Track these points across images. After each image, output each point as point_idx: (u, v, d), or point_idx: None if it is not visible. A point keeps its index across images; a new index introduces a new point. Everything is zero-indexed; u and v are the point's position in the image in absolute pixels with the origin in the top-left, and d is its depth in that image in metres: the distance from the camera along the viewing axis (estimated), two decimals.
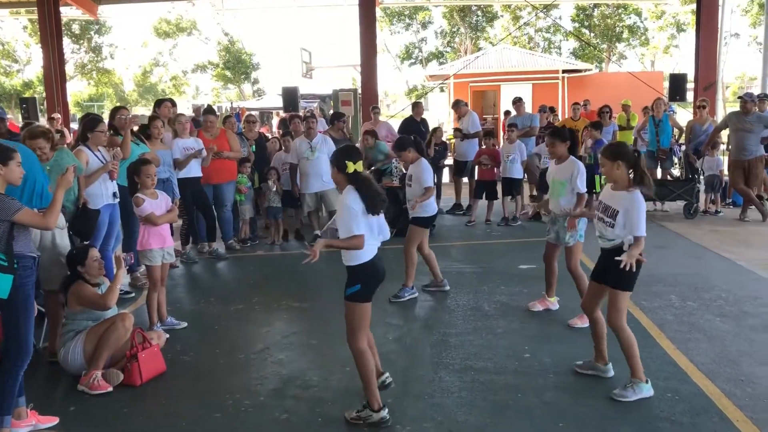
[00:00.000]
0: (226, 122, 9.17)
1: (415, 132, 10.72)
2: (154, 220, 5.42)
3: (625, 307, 4.08)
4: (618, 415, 3.82)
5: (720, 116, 14.87)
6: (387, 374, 4.14)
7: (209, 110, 8.90)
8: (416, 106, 11.73)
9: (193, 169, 7.86)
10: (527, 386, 4.24)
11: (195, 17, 46.08)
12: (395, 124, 13.26)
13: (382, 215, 3.91)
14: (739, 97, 10.17)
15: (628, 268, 3.78)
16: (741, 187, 9.64)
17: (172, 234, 6.47)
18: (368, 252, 3.79)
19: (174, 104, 8.62)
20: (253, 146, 9.50)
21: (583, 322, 5.33)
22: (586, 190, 5.35)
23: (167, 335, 5.24)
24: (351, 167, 3.76)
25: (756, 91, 15.34)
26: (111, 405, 4.20)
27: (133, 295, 6.70)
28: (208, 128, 8.34)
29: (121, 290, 5.25)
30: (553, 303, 5.76)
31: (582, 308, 4.47)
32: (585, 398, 4.05)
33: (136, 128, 7.42)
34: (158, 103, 8.39)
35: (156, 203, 5.52)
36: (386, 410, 3.80)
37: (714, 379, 4.23)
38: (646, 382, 4.03)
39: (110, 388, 4.35)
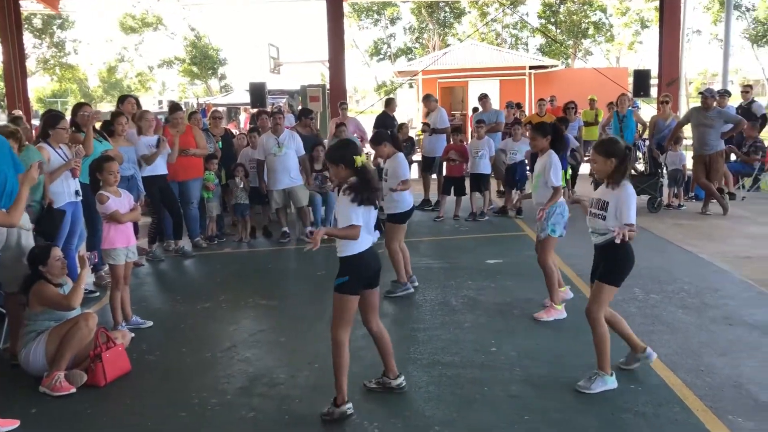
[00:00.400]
0: (191, 118, 9.07)
1: (390, 127, 10.79)
2: (118, 217, 5.33)
3: (607, 301, 4.08)
4: (582, 407, 3.87)
5: (683, 112, 15.13)
6: (402, 378, 4.16)
7: (176, 107, 8.80)
8: (390, 102, 11.78)
9: (159, 167, 7.78)
10: (493, 380, 4.28)
11: (161, 12, 45.48)
12: (363, 120, 13.25)
13: (375, 215, 3.96)
14: (700, 93, 10.35)
15: (619, 240, 3.80)
16: (703, 181, 9.83)
17: (137, 232, 6.39)
18: (361, 244, 3.85)
19: (138, 101, 8.51)
20: (220, 142, 9.42)
21: (549, 316, 5.40)
22: (560, 183, 5.37)
23: (132, 334, 5.17)
24: (359, 161, 3.84)
25: (717, 87, 15.67)
26: (74, 406, 4.13)
27: (98, 294, 6.60)
28: (176, 125, 8.24)
29: (85, 289, 5.17)
30: (566, 292, 5.72)
31: None
32: (550, 391, 4.10)
33: (98, 125, 7.28)
34: (122, 99, 8.27)
35: (119, 201, 5.44)
36: (349, 404, 3.83)
37: (676, 370, 4.31)
38: (611, 374, 4.08)
39: (73, 389, 4.28)
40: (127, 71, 52.77)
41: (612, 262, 4.00)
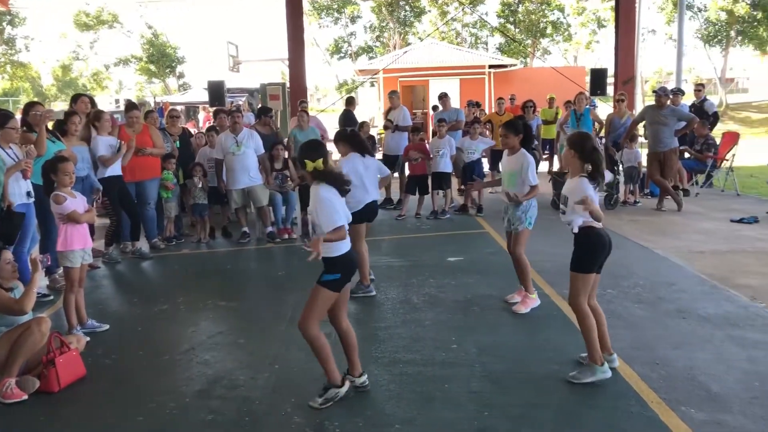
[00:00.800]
0: (148, 117, 8.92)
1: (353, 124, 10.83)
2: (77, 218, 5.21)
3: (583, 289, 4.10)
4: (540, 401, 3.92)
5: (639, 110, 15.45)
6: (365, 377, 4.17)
7: (131, 106, 8.63)
8: (351, 100, 11.80)
9: (116, 168, 7.64)
10: (454, 377, 4.30)
11: (116, 10, 44.67)
12: (324, 118, 13.21)
13: (344, 204, 4.03)
14: (654, 92, 10.57)
15: (576, 229, 4.04)
16: (657, 178, 10.03)
17: (93, 234, 6.26)
18: (347, 242, 3.92)
19: (92, 100, 8.34)
20: (177, 142, 9.28)
21: (526, 307, 5.53)
22: (537, 182, 5.43)
23: (88, 338, 5.06)
24: (310, 165, 3.85)
25: (671, 85, 16.02)
26: (26, 414, 4.02)
27: (52, 297, 6.43)
28: (132, 124, 8.09)
29: (37, 293, 5.03)
30: (535, 299, 5.65)
31: None
32: (509, 386, 4.13)
33: (51, 124, 7.11)
34: (75, 99, 8.08)
35: (75, 202, 5.31)
36: (348, 383, 4.01)
37: (631, 363, 4.39)
38: (602, 364, 4.12)
39: (25, 396, 4.16)
40: (82, 70, 51.73)
41: (578, 249, 4.11)
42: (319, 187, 3.86)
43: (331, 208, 3.81)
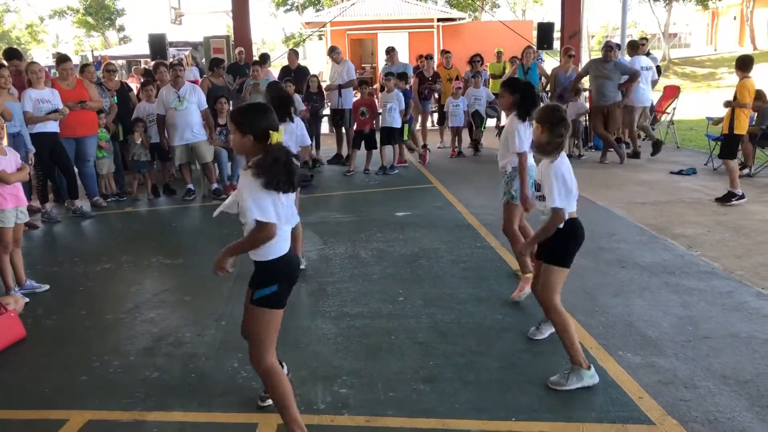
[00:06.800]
0: (84, 71, 8.57)
1: (303, 80, 10.68)
2: (6, 178, 5.01)
3: (559, 285, 3.65)
4: (485, 350, 4.00)
5: (584, 64, 15.57)
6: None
7: (64, 58, 8.27)
8: (290, 55, 11.57)
9: (49, 124, 7.36)
10: (400, 328, 4.35)
11: None
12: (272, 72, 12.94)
13: (293, 197, 3.05)
14: (605, 44, 10.69)
15: None
16: (601, 132, 10.21)
17: (31, 192, 6.04)
18: (285, 241, 2.97)
19: (14, 51, 8.05)
20: (115, 97, 8.98)
21: (523, 291, 4.91)
22: (525, 150, 4.65)
23: (26, 299, 4.95)
24: (274, 138, 2.81)
25: (617, 40, 16.19)
26: None
27: None
28: (65, 77, 7.79)
29: None
30: (527, 281, 4.79)
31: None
32: (455, 336, 4.20)
33: None
34: None
35: (6, 160, 5.10)
36: None
37: (573, 312, 4.49)
38: (589, 368, 3.54)
39: None
40: (14, 22, 49.32)
41: (555, 240, 3.62)
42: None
43: (259, 194, 2.79)
